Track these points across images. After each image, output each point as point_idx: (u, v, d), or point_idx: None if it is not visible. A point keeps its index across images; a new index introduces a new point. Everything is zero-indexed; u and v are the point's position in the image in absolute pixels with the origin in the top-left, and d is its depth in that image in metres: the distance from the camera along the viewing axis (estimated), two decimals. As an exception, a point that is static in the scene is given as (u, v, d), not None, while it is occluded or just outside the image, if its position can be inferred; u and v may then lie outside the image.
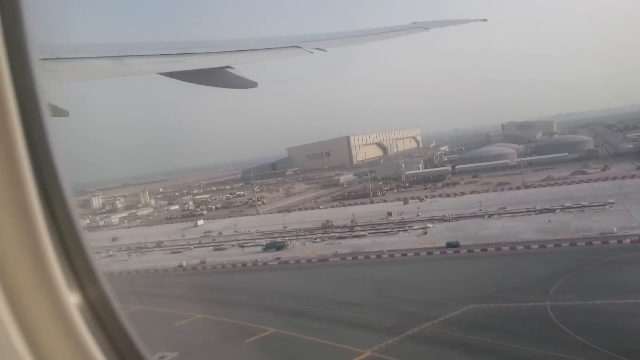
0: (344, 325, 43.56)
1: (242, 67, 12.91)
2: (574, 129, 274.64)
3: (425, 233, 75.61)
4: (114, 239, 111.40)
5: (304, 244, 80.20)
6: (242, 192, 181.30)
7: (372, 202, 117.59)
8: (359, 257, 66.67)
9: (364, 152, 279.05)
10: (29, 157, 3.18)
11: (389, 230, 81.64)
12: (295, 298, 52.17)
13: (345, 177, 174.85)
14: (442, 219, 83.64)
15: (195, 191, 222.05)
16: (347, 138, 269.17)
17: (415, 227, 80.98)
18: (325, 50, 15.74)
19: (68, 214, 3.39)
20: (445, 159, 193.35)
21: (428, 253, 63.79)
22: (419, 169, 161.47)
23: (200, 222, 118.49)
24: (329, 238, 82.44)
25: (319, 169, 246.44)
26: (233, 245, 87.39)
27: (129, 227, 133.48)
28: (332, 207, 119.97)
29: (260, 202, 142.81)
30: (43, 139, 3.35)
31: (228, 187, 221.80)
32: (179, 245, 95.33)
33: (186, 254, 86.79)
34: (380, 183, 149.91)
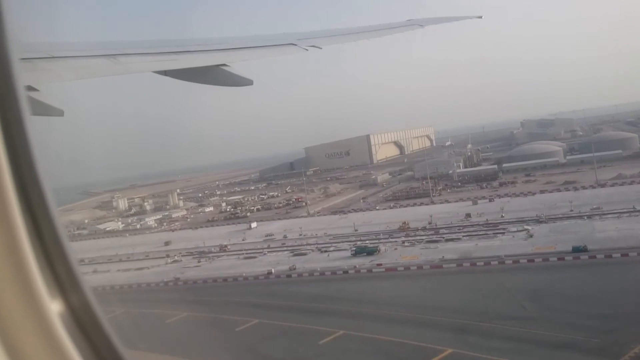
0: (536, 344, 38.96)
1: (237, 65, 12.76)
2: (595, 126, 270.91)
3: (531, 236, 71.11)
4: (166, 243, 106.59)
5: (396, 249, 75.50)
6: (275, 193, 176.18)
7: (432, 202, 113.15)
8: (478, 263, 62.05)
9: (383, 151, 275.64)
10: (8, 161, 3.13)
11: (483, 233, 77.09)
12: (444, 311, 47.44)
13: (382, 177, 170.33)
14: (538, 220, 79.17)
15: (219, 192, 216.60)
16: (367, 137, 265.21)
17: (512, 229, 76.48)
18: (321, 48, 15.68)
19: (49, 220, 3.32)
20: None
21: (559, 259, 59.22)
22: (460, 167, 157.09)
23: (254, 224, 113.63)
24: (418, 242, 77.83)
25: (339, 168, 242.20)
26: (311, 250, 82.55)
27: (172, 230, 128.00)
28: (390, 207, 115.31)
29: (304, 204, 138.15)
30: (23, 142, 3.25)
31: (252, 187, 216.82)
32: (247, 250, 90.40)
33: (262, 259, 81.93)
34: (424, 182, 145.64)
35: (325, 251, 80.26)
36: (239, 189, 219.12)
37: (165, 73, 11.97)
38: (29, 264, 3.13)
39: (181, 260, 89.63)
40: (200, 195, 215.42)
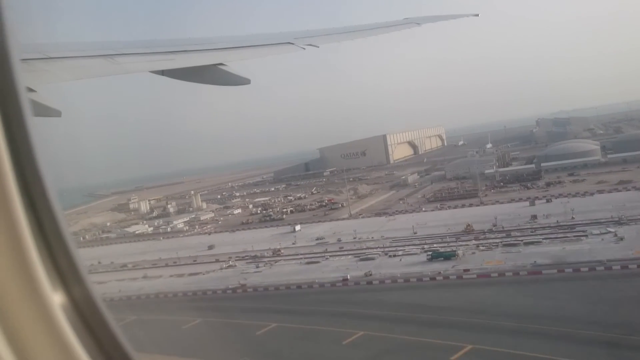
0: None
1: (234, 64, 12.76)
2: (609, 125, 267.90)
3: (622, 239, 67.47)
4: (210, 247, 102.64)
5: (473, 253, 71.75)
6: (301, 194, 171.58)
7: (482, 203, 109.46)
8: (582, 269, 58.31)
9: (399, 150, 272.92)
10: (10, 156, 3.19)
11: (562, 236, 73.34)
12: (580, 323, 43.63)
13: (412, 177, 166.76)
14: (618, 222, 75.55)
15: (238, 193, 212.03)
16: (384, 137, 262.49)
17: (594, 231, 72.73)
18: (318, 47, 15.67)
19: (51, 212, 3.37)
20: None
21: (673, 263, 55.65)
22: (493, 167, 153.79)
23: (298, 227, 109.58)
24: (493, 245, 74.07)
25: (356, 168, 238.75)
26: (377, 255, 78.46)
27: (209, 234, 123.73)
28: (438, 209, 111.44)
29: (340, 205, 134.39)
30: (25, 138, 3.33)
31: (272, 188, 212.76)
32: (303, 254, 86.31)
33: (327, 264, 78.01)
34: (461, 182, 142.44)
35: (394, 255, 76.41)
36: (258, 190, 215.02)
37: (162, 73, 11.78)
38: (31, 257, 3.12)
39: (236, 265, 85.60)
40: (219, 196, 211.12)
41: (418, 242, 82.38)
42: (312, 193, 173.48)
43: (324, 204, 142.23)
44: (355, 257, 79.58)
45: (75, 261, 3.46)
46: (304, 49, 15.35)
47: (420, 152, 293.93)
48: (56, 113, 9.29)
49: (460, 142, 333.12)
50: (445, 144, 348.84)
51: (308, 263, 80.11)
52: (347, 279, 67.28)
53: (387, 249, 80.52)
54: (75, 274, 3.45)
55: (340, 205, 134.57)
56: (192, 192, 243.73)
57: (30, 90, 8.87)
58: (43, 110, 9.02)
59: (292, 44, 15.43)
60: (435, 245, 78.86)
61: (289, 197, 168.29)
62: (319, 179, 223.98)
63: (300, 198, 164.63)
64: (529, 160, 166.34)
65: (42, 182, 3.34)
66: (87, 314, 3.39)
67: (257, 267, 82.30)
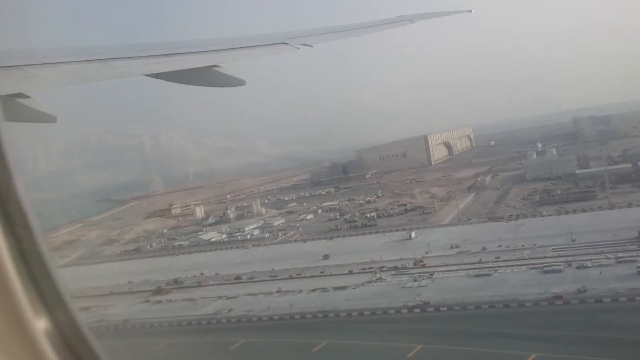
0: None
1: (229, 65, 12.71)
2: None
3: None
4: (325, 257, 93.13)
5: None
6: (369, 198, 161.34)
7: (612, 207, 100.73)
8: None
9: (437, 151, 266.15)
10: None
11: None
12: None
13: (488, 179, 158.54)
14: None
15: (287, 198, 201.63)
16: (425, 137, 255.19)
17: None
18: (312, 46, 15.76)
19: (31, 236, 3.21)
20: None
21: None
22: (577, 167, 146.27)
23: (413, 234, 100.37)
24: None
25: (398, 170, 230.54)
26: (561, 266, 69.02)
27: (304, 241, 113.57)
28: (564, 212, 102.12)
29: (433, 209, 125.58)
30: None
31: (323, 192, 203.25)
32: (455, 265, 76.97)
33: (504, 278, 68.51)
34: (552, 183, 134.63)
35: (584, 267, 67.17)
36: (307, 194, 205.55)
37: (157, 76, 11.67)
38: (11, 281, 2.96)
39: (385, 279, 75.98)
40: (266, 201, 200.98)
41: (593, 252, 73.10)
42: (378, 196, 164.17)
43: (408, 207, 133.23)
44: (530, 268, 70.37)
45: (58, 285, 3.29)
46: (298, 48, 15.25)
47: (454, 153, 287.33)
48: (51, 119, 9.12)
49: (492, 142, 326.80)
50: (474, 144, 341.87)
51: (477, 276, 70.71)
52: (560, 297, 58.04)
53: (569, 260, 70.65)
54: (58, 298, 3.29)
55: (432, 209, 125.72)
56: (227, 195, 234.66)
57: (25, 96, 8.72)
58: (38, 116, 8.88)
59: (287, 44, 15.36)
60: (619, 254, 69.92)
61: (357, 201, 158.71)
62: (366, 182, 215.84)
63: (369, 202, 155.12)
64: (608, 159, 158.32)
65: (21, 205, 3.15)
66: (71, 340, 3.26)
67: (415, 280, 72.67)
